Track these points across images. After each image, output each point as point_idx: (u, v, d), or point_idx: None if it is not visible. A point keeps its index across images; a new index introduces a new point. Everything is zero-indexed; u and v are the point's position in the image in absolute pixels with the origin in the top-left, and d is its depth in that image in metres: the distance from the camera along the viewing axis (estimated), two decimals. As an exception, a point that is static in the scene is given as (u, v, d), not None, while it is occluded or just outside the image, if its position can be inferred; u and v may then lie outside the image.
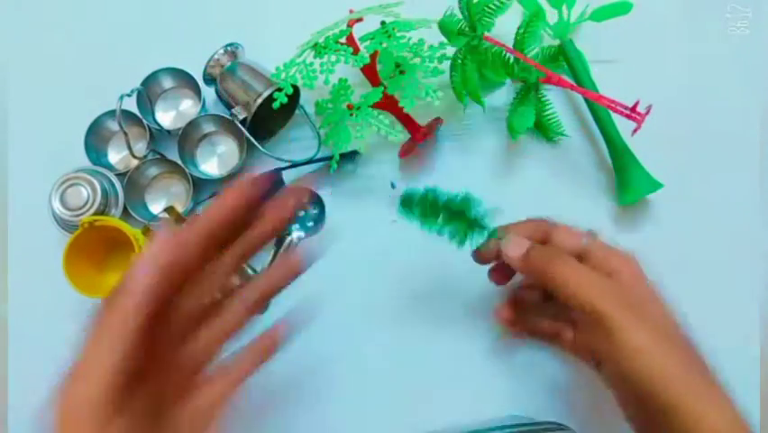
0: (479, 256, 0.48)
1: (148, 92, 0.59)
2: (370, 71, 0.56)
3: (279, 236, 0.59)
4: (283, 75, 0.53)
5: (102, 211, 0.56)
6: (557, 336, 0.49)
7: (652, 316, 0.41)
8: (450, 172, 0.60)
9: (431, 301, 0.58)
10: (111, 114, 0.58)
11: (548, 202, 0.59)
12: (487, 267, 0.50)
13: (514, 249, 0.44)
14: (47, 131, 0.62)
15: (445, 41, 0.55)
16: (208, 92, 0.60)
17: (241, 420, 0.57)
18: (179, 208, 0.58)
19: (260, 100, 0.55)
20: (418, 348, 0.57)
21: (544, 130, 0.59)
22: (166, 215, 0.55)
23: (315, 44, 0.53)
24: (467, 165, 0.60)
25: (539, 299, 0.51)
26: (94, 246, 0.56)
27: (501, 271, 0.50)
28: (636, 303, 0.40)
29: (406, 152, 0.58)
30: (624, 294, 0.41)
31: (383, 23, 0.54)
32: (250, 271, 0.55)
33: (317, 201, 0.60)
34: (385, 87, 0.54)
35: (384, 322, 0.58)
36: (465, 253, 0.58)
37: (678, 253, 0.58)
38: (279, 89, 0.52)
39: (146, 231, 0.55)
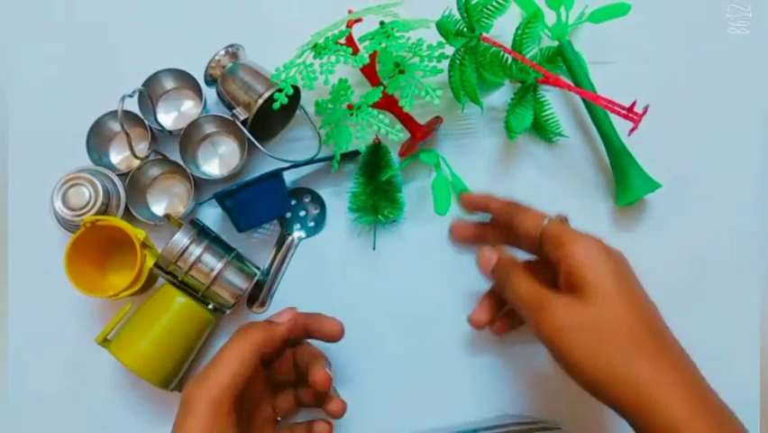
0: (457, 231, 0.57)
1: (149, 93, 0.59)
2: (369, 71, 0.56)
3: (281, 235, 0.60)
4: (283, 76, 0.53)
5: (104, 211, 0.56)
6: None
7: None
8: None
9: (431, 300, 0.58)
10: (113, 114, 0.59)
11: (546, 202, 0.59)
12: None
13: (484, 265, 0.52)
14: (48, 131, 0.62)
15: (444, 40, 0.56)
16: (209, 93, 0.60)
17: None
18: (181, 208, 0.58)
19: (260, 101, 0.56)
20: (417, 348, 0.57)
21: (542, 130, 0.60)
22: (166, 220, 0.56)
23: (315, 45, 0.53)
24: (466, 164, 0.60)
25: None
26: (95, 246, 0.57)
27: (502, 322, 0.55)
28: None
29: (407, 150, 0.58)
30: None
31: (382, 23, 0.54)
32: (255, 269, 0.56)
33: (318, 202, 0.60)
34: (385, 87, 0.54)
35: (384, 322, 0.58)
36: (466, 253, 0.59)
37: (676, 254, 0.58)
38: (280, 90, 0.52)
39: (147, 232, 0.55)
